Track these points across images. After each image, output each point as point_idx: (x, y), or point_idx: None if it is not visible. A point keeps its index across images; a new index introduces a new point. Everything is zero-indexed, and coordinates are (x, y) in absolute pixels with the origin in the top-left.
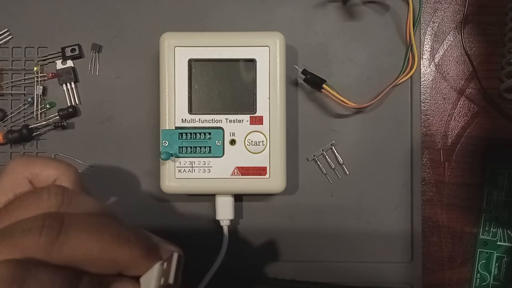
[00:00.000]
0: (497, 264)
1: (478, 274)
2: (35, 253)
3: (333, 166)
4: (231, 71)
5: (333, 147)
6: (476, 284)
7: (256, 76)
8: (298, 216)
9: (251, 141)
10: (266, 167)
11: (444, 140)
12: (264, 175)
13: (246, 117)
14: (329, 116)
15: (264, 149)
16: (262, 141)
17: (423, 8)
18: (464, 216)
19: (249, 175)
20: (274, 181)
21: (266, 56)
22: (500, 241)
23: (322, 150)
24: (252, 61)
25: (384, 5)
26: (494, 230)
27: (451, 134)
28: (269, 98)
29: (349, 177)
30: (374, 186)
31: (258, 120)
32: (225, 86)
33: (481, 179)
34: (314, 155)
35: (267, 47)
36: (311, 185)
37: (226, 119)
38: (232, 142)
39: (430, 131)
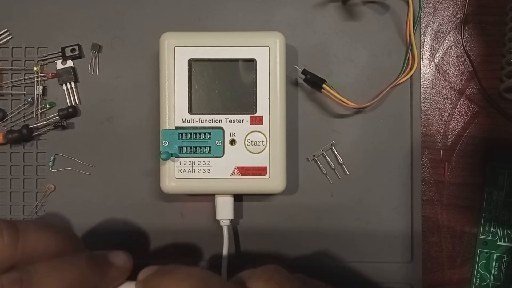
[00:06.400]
0: (497, 264)
1: (478, 274)
2: (2, 252)
3: (333, 166)
4: (231, 71)
5: (333, 147)
6: (476, 284)
7: (256, 76)
8: (298, 216)
9: (251, 141)
10: (266, 167)
11: (444, 140)
12: (264, 175)
13: (246, 117)
14: (329, 116)
15: (264, 149)
16: (262, 141)
17: (423, 8)
18: (464, 216)
19: (249, 175)
20: (274, 181)
21: (266, 56)
22: (500, 241)
23: (322, 150)
24: (252, 61)
25: (384, 5)
26: (494, 230)
27: (451, 134)
28: (269, 98)
29: (349, 177)
30: (374, 186)
31: (258, 120)
32: (225, 86)
33: (481, 179)
34: (314, 155)
35: (267, 47)
36: (311, 185)
37: (226, 119)
38: (232, 142)
39: (430, 131)
